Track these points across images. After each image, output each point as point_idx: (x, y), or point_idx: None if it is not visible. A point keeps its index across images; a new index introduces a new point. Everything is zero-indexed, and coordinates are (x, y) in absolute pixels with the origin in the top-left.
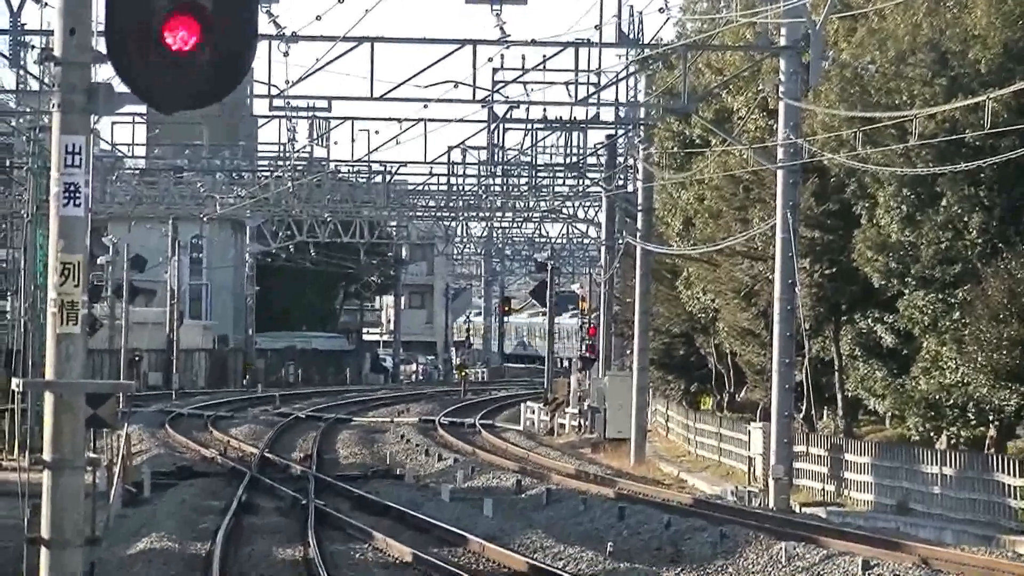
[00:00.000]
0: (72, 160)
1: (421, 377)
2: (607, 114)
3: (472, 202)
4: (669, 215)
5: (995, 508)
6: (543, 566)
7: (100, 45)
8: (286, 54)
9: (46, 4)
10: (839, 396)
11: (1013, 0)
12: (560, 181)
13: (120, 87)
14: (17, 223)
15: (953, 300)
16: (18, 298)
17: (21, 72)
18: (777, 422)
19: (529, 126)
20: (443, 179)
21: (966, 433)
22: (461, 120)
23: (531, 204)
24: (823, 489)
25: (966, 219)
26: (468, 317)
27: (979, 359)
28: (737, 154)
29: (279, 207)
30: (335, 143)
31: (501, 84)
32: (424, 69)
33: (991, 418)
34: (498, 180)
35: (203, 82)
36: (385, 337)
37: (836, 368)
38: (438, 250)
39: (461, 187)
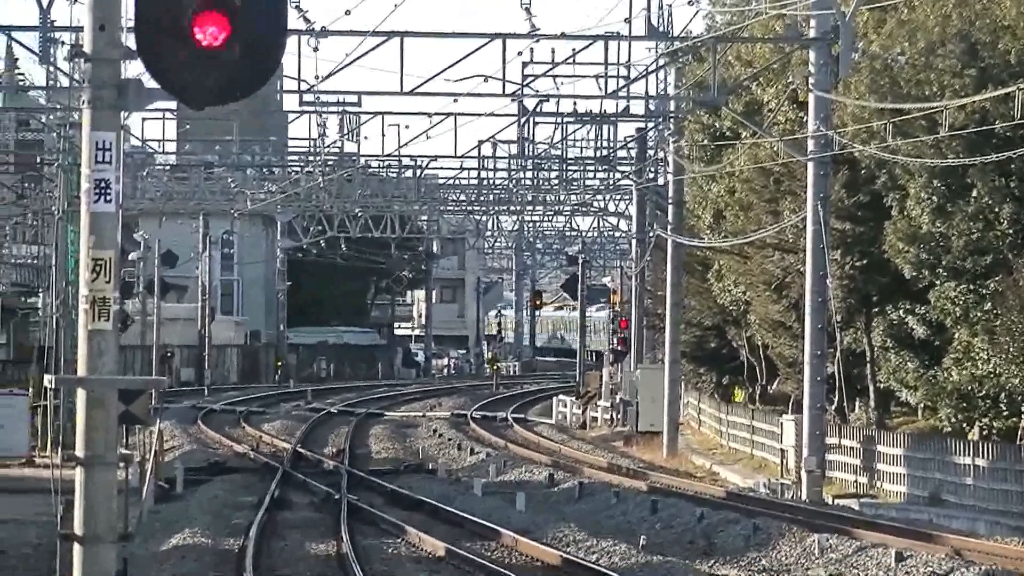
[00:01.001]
0: (103, 156)
1: (453, 371)
2: (637, 107)
3: (503, 196)
4: (700, 208)
5: None
6: (576, 559)
7: (130, 41)
8: (316, 49)
9: (76, 1)
10: (871, 388)
11: None
12: (590, 174)
13: (150, 83)
14: (48, 220)
15: (984, 291)
16: (50, 295)
17: (51, 69)
18: (809, 414)
19: (559, 119)
20: (473, 173)
21: (998, 424)
22: (491, 114)
23: (562, 197)
24: (856, 481)
25: (997, 210)
26: (499, 311)
27: (1011, 350)
28: (767, 146)
29: (310, 202)
30: (365, 138)
31: (531, 78)
32: (454, 63)
33: (1023, 409)
34: (528, 174)
35: (233, 77)
36: (417, 331)
37: (868, 360)
38: (469, 244)
39: (492, 181)
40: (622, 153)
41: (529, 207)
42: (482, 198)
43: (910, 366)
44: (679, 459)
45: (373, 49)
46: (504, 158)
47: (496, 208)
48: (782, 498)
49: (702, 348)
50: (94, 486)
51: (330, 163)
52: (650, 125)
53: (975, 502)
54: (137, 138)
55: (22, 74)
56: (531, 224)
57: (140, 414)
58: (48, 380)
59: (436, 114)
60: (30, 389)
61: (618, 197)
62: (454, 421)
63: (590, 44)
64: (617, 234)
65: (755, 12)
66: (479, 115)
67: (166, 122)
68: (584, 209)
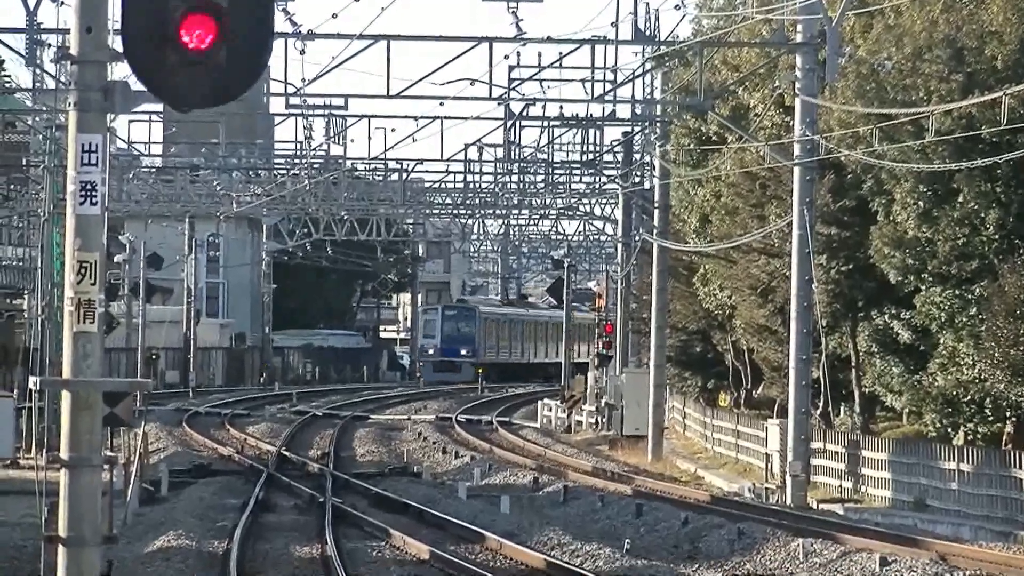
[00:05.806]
0: (89, 158)
1: None
2: (623, 111)
3: (488, 199)
4: (686, 212)
5: (1012, 504)
6: (561, 563)
7: (116, 43)
8: (302, 52)
9: (63, 3)
10: (856, 392)
11: None
12: (577, 178)
13: (136, 85)
14: (34, 222)
15: (970, 296)
16: (35, 297)
17: (37, 71)
18: (794, 419)
19: (545, 123)
20: (459, 176)
21: (983, 429)
22: (477, 117)
23: (547, 201)
24: (840, 486)
25: (983, 215)
26: None
27: (996, 355)
28: (753, 151)
29: (296, 205)
30: (351, 141)
31: (517, 81)
32: (440, 67)
33: (1008, 414)
34: (514, 177)
35: (219, 80)
36: (402, 335)
37: (853, 364)
38: (455, 247)
39: (478, 184)
40: (608, 157)
41: (515, 211)
42: (468, 201)
43: (895, 371)
44: (664, 463)
45: (360, 52)
46: (490, 162)
47: (482, 212)
48: (767, 502)
49: (687, 352)
50: (79, 488)
51: (316, 166)
52: (636, 129)
53: (960, 507)
54: (123, 140)
55: (8, 76)
56: (517, 228)
57: (125, 416)
58: (33, 382)
59: (422, 117)
60: (15, 391)
61: (604, 201)
62: (439, 424)
63: (577, 48)
64: (603, 238)
65: (742, 16)
66: (465, 119)
67: (152, 124)
68: (570, 213)
